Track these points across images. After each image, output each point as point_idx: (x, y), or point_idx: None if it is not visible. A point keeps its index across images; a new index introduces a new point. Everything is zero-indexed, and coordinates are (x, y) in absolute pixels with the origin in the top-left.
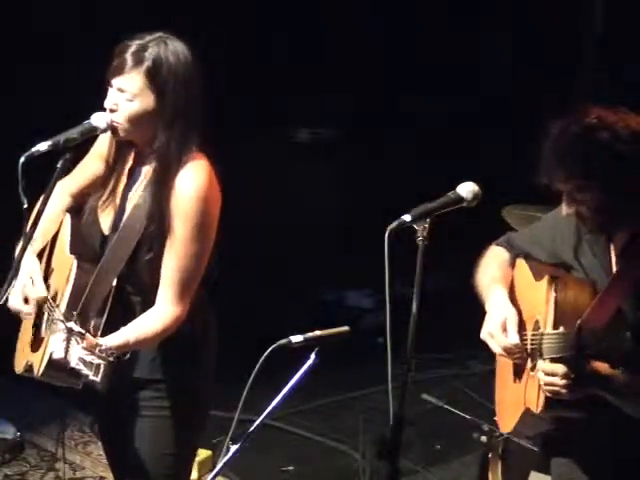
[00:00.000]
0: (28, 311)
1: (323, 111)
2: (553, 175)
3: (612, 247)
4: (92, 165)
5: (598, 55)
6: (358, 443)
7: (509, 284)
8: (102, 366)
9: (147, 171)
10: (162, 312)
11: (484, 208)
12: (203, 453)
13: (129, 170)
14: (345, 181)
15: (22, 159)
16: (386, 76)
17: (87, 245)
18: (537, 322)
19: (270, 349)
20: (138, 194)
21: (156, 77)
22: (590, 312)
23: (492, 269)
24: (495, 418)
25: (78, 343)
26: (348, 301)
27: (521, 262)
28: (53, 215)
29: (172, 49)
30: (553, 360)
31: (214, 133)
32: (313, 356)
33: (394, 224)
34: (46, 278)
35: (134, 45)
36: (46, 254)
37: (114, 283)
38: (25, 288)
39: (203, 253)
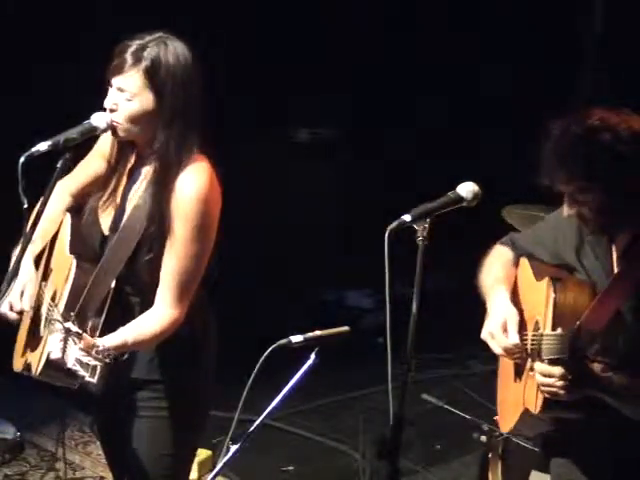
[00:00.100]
0: (10, 317)
1: (323, 111)
2: (555, 176)
3: (614, 248)
4: (94, 164)
5: (598, 55)
6: (358, 443)
7: (512, 284)
8: (98, 367)
9: (147, 172)
10: (161, 313)
11: (484, 208)
12: (203, 453)
13: (129, 170)
14: (345, 181)
15: (22, 159)
16: (386, 76)
17: (87, 245)
18: (537, 323)
19: (270, 349)
20: (138, 195)
21: (155, 77)
22: (589, 313)
23: (495, 269)
24: (495, 418)
25: (75, 343)
26: (348, 301)
27: (524, 262)
28: (53, 215)
29: (172, 49)
30: (551, 361)
31: (214, 133)
32: (313, 356)
33: (394, 224)
34: (45, 278)
35: (134, 45)
36: (46, 254)
37: (113, 284)
38: (13, 298)
39: (203, 254)
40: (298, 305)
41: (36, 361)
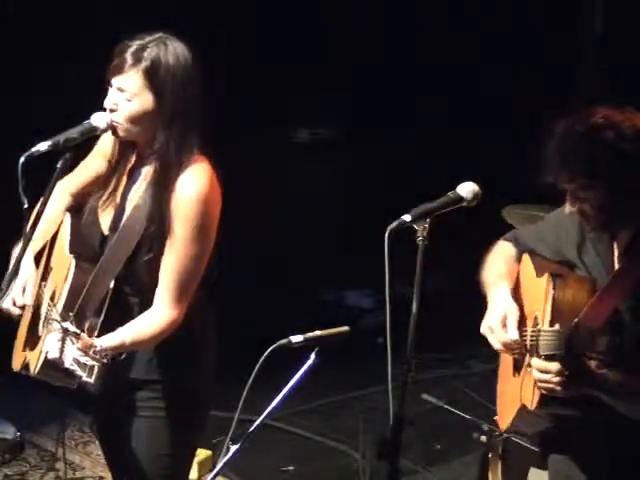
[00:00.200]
0: (13, 312)
1: (323, 111)
2: (557, 174)
3: (615, 246)
4: (94, 164)
5: (598, 55)
6: (358, 443)
7: (514, 280)
8: (96, 368)
9: (147, 172)
10: (159, 314)
11: (484, 208)
12: (203, 453)
13: (129, 170)
14: (345, 181)
15: (22, 159)
16: (386, 76)
17: (86, 245)
18: (536, 318)
19: (270, 349)
20: (138, 195)
21: (154, 77)
22: (588, 310)
23: (497, 264)
24: (495, 418)
25: (73, 343)
26: (348, 301)
27: (526, 258)
28: (53, 215)
29: (172, 50)
30: (548, 357)
31: (214, 133)
32: (313, 356)
33: (394, 224)
34: (45, 277)
35: (134, 45)
36: (46, 253)
37: (112, 284)
38: (15, 294)
39: (202, 255)
40: (298, 305)
41: (34, 360)
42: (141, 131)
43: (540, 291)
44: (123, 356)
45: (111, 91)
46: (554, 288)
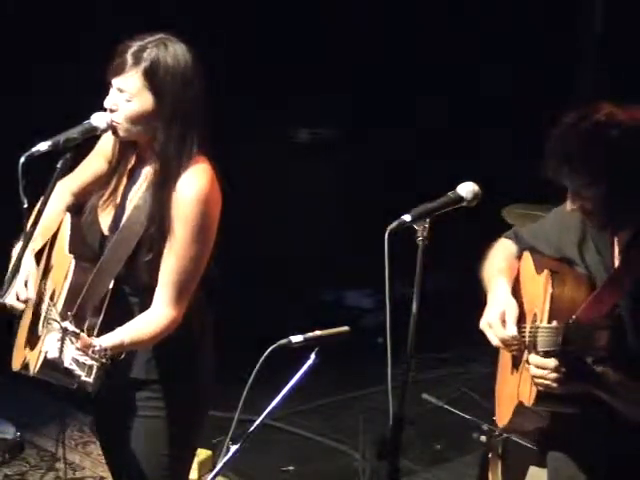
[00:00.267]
0: (18, 307)
1: (323, 111)
2: (559, 170)
3: (616, 244)
4: (95, 164)
5: (598, 55)
6: (358, 443)
7: (514, 276)
8: (95, 367)
9: (148, 172)
10: (159, 314)
11: (484, 208)
12: (203, 453)
13: (130, 170)
14: (345, 181)
15: (22, 159)
16: (386, 76)
17: (86, 244)
18: (535, 315)
19: (270, 349)
20: (139, 195)
21: (154, 78)
22: (586, 307)
23: (498, 260)
24: (494, 418)
25: (73, 343)
26: (348, 301)
27: (527, 255)
28: (53, 214)
29: (172, 51)
30: (545, 353)
31: (214, 133)
32: (313, 356)
33: (394, 224)
34: (45, 276)
35: (134, 46)
36: (45, 252)
37: (112, 284)
38: (19, 290)
39: (202, 255)
40: (298, 305)
41: (34, 360)
42: (141, 131)
43: (539, 288)
44: (122, 356)
45: (111, 91)
46: (552, 285)
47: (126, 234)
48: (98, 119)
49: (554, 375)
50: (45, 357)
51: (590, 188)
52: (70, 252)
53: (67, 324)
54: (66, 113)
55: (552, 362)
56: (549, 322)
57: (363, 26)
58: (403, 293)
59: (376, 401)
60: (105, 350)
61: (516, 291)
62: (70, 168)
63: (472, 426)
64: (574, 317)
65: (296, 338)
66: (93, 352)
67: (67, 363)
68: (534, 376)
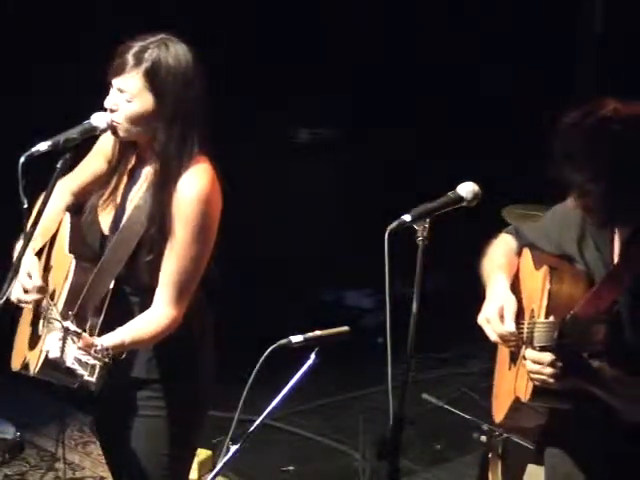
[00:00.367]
0: (27, 299)
1: (323, 111)
2: (563, 166)
3: (616, 241)
4: (95, 163)
5: (598, 55)
6: (358, 443)
7: (513, 272)
8: (97, 367)
9: (148, 172)
10: (159, 313)
11: (484, 208)
12: (203, 453)
13: (130, 170)
14: (345, 181)
15: (22, 159)
16: (386, 76)
17: (86, 244)
18: (533, 311)
19: (270, 349)
20: (139, 195)
21: (154, 79)
22: (584, 303)
23: (497, 256)
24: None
25: (74, 342)
26: (348, 301)
27: (526, 251)
28: (53, 214)
29: (172, 52)
30: (542, 348)
31: (214, 133)
32: (313, 356)
33: (394, 224)
34: (45, 276)
35: (135, 46)
36: (45, 252)
37: (112, 284)
38: (24, 282)
39: (202, 255)
40: (298, 305)
41: (34, 360)
42: (141, 131)
43: (538, 284)
44: (123, 355)
45: (112, 91)
46: (550, 281)
47: (126, 234)
48: (98, 119)
49: (550, 370)
50: (46, 357)
51: (593, 184)
52: (70, 252)
53: (69, 324)
54: (66, 113)
55: (548, 357)
56: (547, 317)
57: (363, 26)
58: (403, 293)
59: (376, 401)
60: (107, 349)
61: (515, 287)
62: (70, 168)
63: (472, 426)
64: (572, 312)
65: (296, 338)
66: (95, 352)
67: (69, 363)
68: (530, 371)
